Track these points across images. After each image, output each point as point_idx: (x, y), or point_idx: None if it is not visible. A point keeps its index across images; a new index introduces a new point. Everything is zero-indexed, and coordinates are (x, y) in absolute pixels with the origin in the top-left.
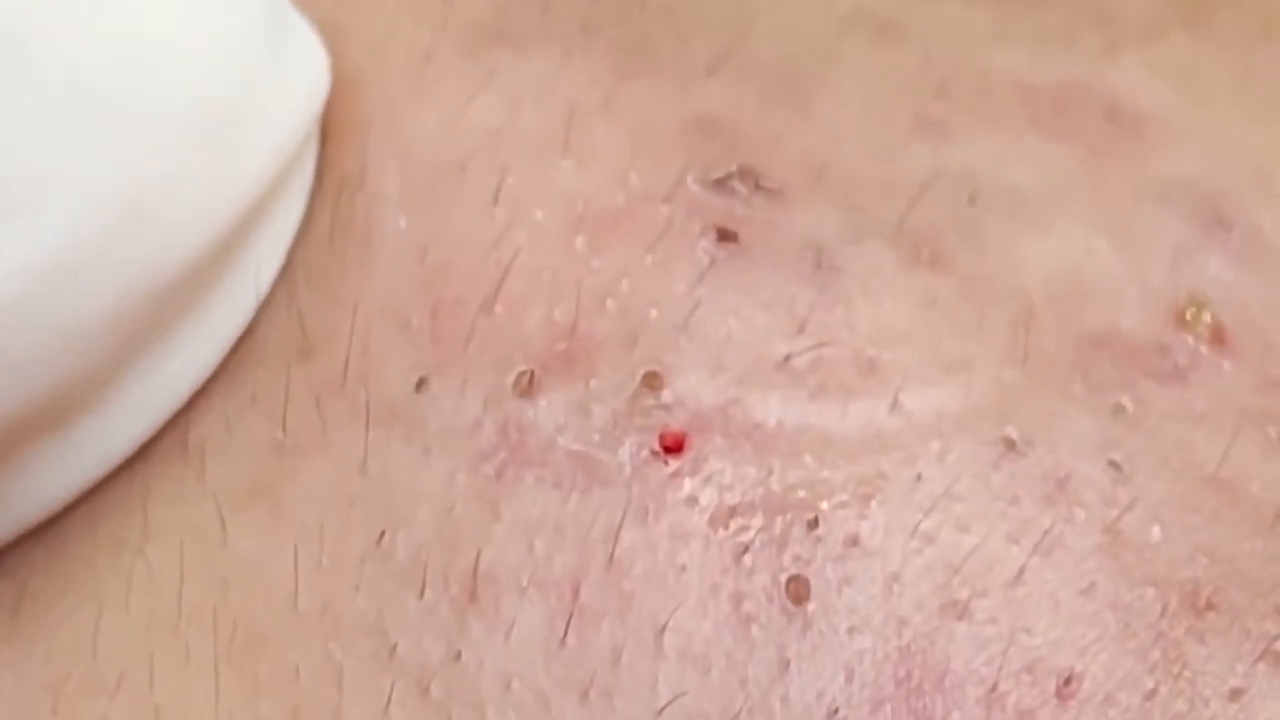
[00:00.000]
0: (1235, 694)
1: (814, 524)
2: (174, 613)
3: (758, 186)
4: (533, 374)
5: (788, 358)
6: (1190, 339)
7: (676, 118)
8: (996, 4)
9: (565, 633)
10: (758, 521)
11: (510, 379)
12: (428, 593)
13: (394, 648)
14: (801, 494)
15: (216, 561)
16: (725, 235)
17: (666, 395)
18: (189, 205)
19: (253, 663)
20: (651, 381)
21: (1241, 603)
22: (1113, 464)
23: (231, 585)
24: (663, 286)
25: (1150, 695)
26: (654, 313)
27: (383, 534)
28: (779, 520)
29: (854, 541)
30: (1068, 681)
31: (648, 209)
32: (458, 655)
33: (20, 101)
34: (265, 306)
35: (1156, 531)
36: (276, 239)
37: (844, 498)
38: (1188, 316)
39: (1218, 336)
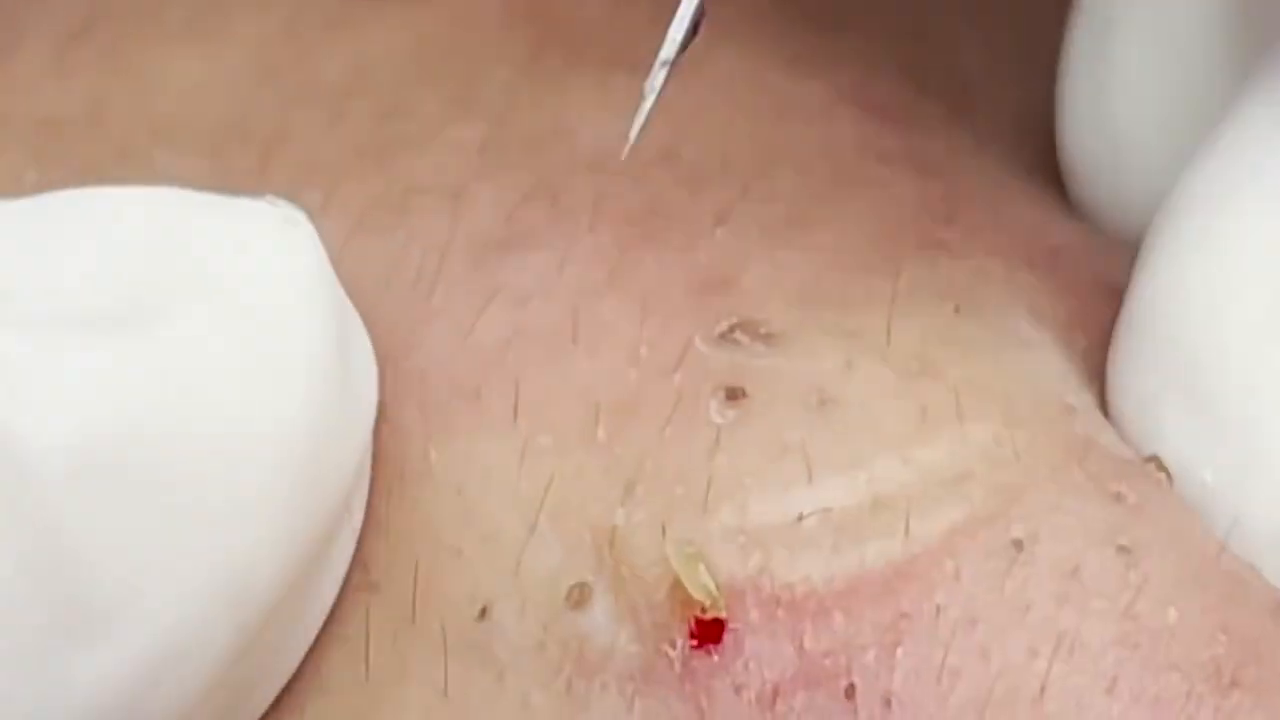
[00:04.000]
0: None
1: (850, 692)
2: None
3: (758, 334)
4: (582, 586)
5: (801, 517)
6: None
7: (682, 278)
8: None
9: None
10: (800, 701)
11: (562, 594)
12: None
13: None
14: (832, 661)
15: None
16: (733, 394)
17: (702, 577)
18: (272, 563)
19: None
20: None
21: (1264, 679)
22: (1122, 549)
23: None
24: (682, 461)
25: None
26: (679, 490)
27: None
28: (820, 694)
29: (888, 701)
30: None
31: (659, 383)
32: None
33: (102, 524)
34: None
35: (1173, 613)
36: (352, 530)
37: (874, 652)
38: None
39: None
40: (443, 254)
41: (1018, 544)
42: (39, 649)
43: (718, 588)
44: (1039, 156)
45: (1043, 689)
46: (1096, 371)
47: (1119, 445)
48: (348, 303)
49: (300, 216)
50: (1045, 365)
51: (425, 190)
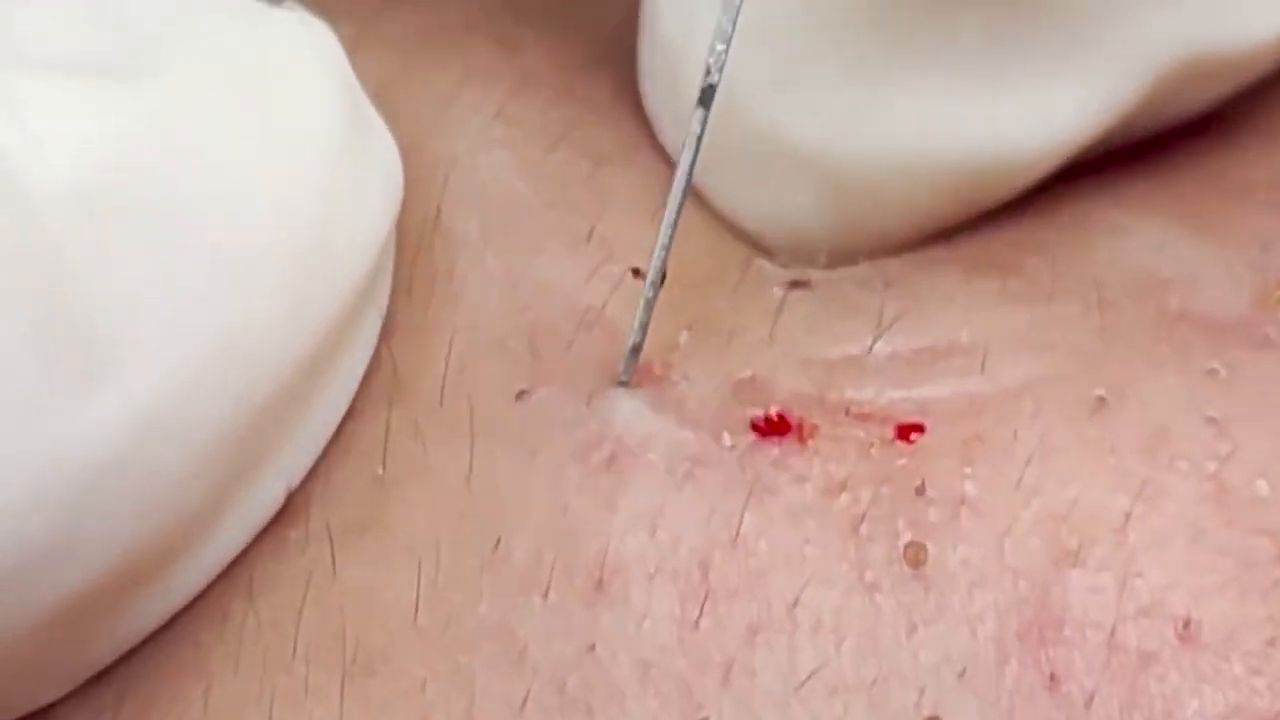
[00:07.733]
0: None
1: (921, 489)
2: (288, 654)
3: None
4: (633, 380)
5: (872, 346)
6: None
7: None
8: None
9: (699, 615)
10: (867, 493)
11: (610, 380)
12: (552, 592)
13: (524, 649)
14: (903, 462)
15: (329, 595)
16: (797, 284)
17: (761, 391)
18: (276, 336)
19: (376, 682)
20: (744, 385)
21: None
22: (1211, 420)
23: (348, 614)
24: (747, 313)
25: (1273, 641)
26: (740, 328)
27: (498, 541)
28: (887, 489)
29: (962, 500)
30: (1186, 625)
31: (727, 260)
32: (591, 647)
33: (105, 267)
34: None
35: (1263, 485)
36: (371, 329)
37: (946, 461)
38: (1276, 299)
39: None
40: (508, 92)
41: (1100, 400)
42: (45, 389)
43: None
44: None
45: (1126, 520)
46: (1199, 239)
47: (1224, 307)
48: (364, 97)
49: (316, 20)
50: (1138, 246)
51: (470, 29)
